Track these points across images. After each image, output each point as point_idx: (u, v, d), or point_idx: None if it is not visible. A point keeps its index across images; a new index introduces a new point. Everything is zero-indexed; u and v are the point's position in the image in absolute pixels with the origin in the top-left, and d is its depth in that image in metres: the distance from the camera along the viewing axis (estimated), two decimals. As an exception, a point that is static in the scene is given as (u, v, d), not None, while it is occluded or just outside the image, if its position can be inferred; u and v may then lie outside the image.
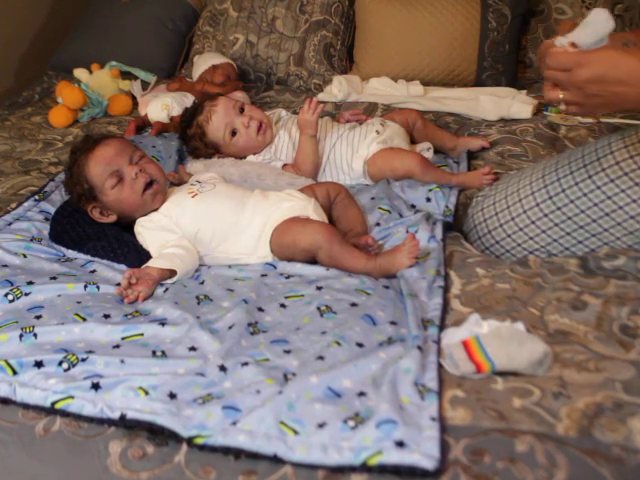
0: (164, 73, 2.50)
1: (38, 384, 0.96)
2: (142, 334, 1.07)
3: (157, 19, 2.56)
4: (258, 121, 1.66)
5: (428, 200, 1.47)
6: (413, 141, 1.75)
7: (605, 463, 0.79)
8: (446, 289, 1.15)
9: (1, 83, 2.67)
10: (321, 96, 2.19)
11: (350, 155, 1.63)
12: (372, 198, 1.51)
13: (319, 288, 1.18)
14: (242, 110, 1.69)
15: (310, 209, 1.34)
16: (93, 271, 1.29)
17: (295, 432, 0.85)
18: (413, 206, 1.47)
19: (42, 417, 0.93)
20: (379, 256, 1.24)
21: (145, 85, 2.32)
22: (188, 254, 1.28)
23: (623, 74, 0.96)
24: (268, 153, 1.68)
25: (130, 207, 1.35)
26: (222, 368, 0.97)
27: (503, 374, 0.93)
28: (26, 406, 0.94)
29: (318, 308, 1.12)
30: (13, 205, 1.53)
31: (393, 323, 1.07)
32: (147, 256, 1.30)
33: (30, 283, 1.20)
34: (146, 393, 0.93)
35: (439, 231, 1.32)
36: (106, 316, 1.12)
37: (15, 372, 0.99)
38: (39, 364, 0.99)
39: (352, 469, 0.81)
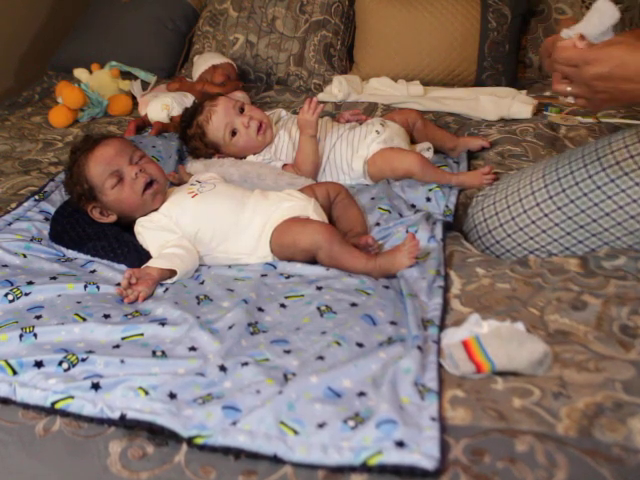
0: (164, 73, 2.50)
1: (38, 384, 0.96)
2: (142, 334, 1.07)
3: (157, 19, 2.56)
4: (258, 121, 1.66)
5: (428, 200, 1.47)
6: (413, 141, 1.75)
7: (605, 463, 0.79)
8: (446, 289, 1.15)
9: (1, 83, 2.67)
10: (321, 96, 2.19)
11: (350, 155, 1.63)
12: (372, 198, 1.51)
13: (319, 288, 1.18)
14: (242, 110, 1.69)
15: (310, 209, 1.34)
16: (93, 271, 1.29)
17: (295, 432, 0.85)
18: (413, 206, 1.47)
19: (42, 417, 0.93)
20: (379, 256, 1.24)
21: (145, 85, 2.32)
22: (188, 254, 1.28)
23: (630, 72, 0.96)
24: (268, 153, 1.68)
25: (130, 207, 1.35)
26: (222, 368, 0.97)
27: (503, 374, 0.93)
28: (26, 406, 0.94)
29: (318, 308, 1.12)
30: (13, 205, 1.53)
31: (393, 323, 1.07)
32: (147, 256, 1.30)
33: (30, 283, 1.20)
34: (146, 393, 0.93)
35: (439, 231, 1.32)
36: (106, 316, 1.12)
37: (15, 372, 0.99)
38: (39, 364, 0.99)
39: (352, 469, 0.81)
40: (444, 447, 0.82)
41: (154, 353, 1.02)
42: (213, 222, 1.32)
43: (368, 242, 1.30)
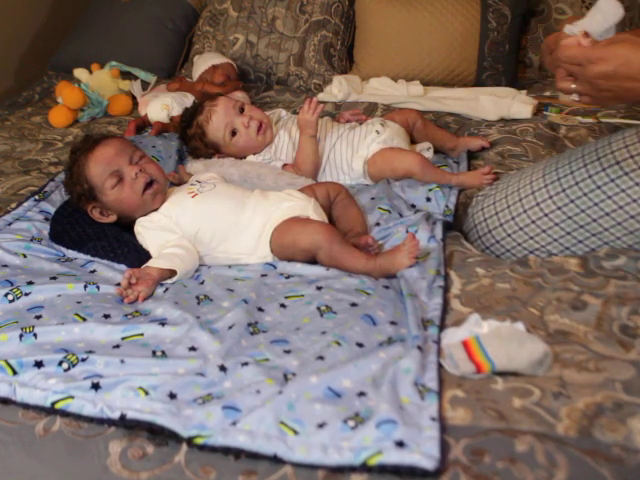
0: (164, 73, 2.50)
1: (38, 384, 0.96)
2: (142, 334, 1.07)
3: (157, 19, 2.56)
4: (258, 121, 1.66)
5: (428, 200, 1.48)
6: (413, 141, 1.75)
7: (605, 463, 0.79)
8: (446, 289, 1.15)
9: (1, 83, 2.67)
10: (321, 96, 2.19)
11: (350, 155, 1.63)
12: (372, 198, 1.51)
13: (319, 288, 1.18)
14: (242, 110, 1.69)
15: (310, 209, 1.34)
16: (93, 271, 1.29)
17: (295, 432, 0.85)
18: (413, 206, 1.47)
19: (42, 417, 0.93)
20: (379, 256, 1.24)
21: (145, 85, 2.32)
22: (188, 254, 1.28)
23: (634, 70, 0.96)
24: (268, 153, 1.68)
25: (130, 207, 1.35)
26: (222, 368, 0.97)
27: (503, 374, 0.93)
28: (26, 406, 0.94)
29: (318, 308, 1.12)
30: (13, 205, 1.53)
31: (393, 323, 1.07)
32: (147, 256, 1.30)
33: (30, 283, 1.20)
34: (146, 393, 0.93)
35: (439, 231, 1.32)
36: (106, 316, 1.12)
37: (15, 372, 0.99)
38: (39, 364, 0.99)
39: (352, 469, 0.81)
40: (444, 447, 0.82)
41: (154, 353, 1.02)
42: (213, 222, 1.32)
43: (368, 242, 1.30)
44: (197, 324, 1.08)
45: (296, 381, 0.93)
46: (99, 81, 2.24)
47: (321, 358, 0.98)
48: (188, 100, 2.03)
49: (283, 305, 1.14)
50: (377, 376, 0.94)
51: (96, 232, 1.36)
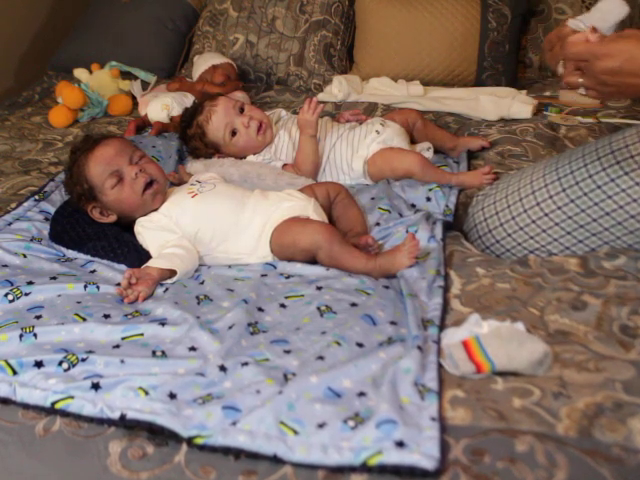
0: (164, 73, 2.50)
1: (38, 384, 0.96)
2: (142, 334, 1.07)
3: (157, 19, 2.56)
4: (258, 121, 1.66)
5: (428, 199, 1.48)
6: (413, 141, 1.74)
7: (605, 463, 0.79)
8: (446, 289, 1.15)
9: (1, 83, 2.67)
10: (321, 96, 2.19)
11: (350, 155, 1.63)
12: (372, 198, 1.51)
13: (319, 288, 1.18)
14: (242, 110, 1.69)
15: (310, 209, 1.34)
16: (93, 271, 1.29)
17: (295, 432, 0.85)
18: (413, 205, 1.47)
19: (42, 417, 0.93)
20: (379, 256, 1.24)
21: (145, 85, 2.32)
22: (188, 254, 1.28)
23: (637, 67, 0.96)
24: (268, 153, 1.68)
25: (130, 207, 1.35)
26: (222, 368, 0.97)
27: (503, 374, 0.93)
28: (26, 406, 0.94)
29: (318, 308, 1.12)
30: (13, 205, 1.53)
31: (393, 323, 1.07)
32: (147, 256, 1.30)
33: (30, 283, 1.20)
34: (146, 393, 0.93)
35: (439, 231, 1.32)
36: (106, 316, 1.12)
37: (15, 372, 0.99)
38: (39, 364, 0.99)
39: (352, 469, 0.81)
40: (444, 447, 0.82)
41: (154, 353, 1.02)
42: (213, 222, 1.32)
43: (368, 242, 1.30)
44: (197, 324, 1.08)
45: (296, 381, 0.93)
46: (99, 81, 2.24)
47: (321, 358, 0.98)
48: (188, 100, 2.03)
49: (283, 305, 1.14)
50: (377, 376, 0.94)
51: (96, 232, 1.36)
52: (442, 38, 2.24)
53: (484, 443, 0.83)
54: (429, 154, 1.69)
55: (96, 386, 0.95)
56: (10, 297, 1.16)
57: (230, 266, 1.31)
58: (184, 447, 0.87)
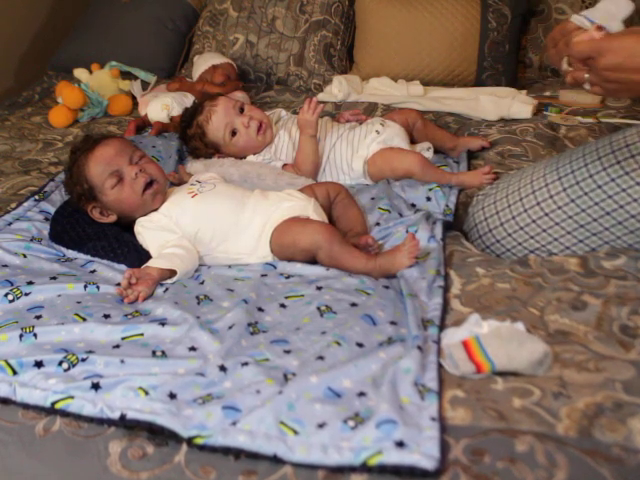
0: (164, 73, 2.50)
1: (38, 384, 0.96)
2: (142, 334, 1.07)
3: (157, 19, 2.56)
4: (258, 121, 1.66)
5: (428, 199, 1.48)
6: (413, 141, 1.74)
7: (605, 463, 0.79)
8: (446, 289, 1.15)
9: (1, 83, 2.68)
10: (321, 96, 2.19)
11: (350, 155, 1.63)
12: (372, 198, 1.51)
13: (319, 288, 1.18)
14: (242, 110, 1.69)
15: (310, 209, 1.34)
16: (93, 271, 1.29)
17: (295, 432, 0.85)
18: (413, 205, 1.47)
19: (42, 417, 0.93)
20: (379, 256, 1.24)
21: (145, 85, 2.32)
22: (188, 254, 1.28)
23: (638, 63, 0.96)
24: (268, 153, 1.68)
25: (130, 207, 1.35)
26: (222, 368, 0.97)
27: (503, 374, 0.93)
28: (26, 406, 0.94)
29: (318, 308, 1.12)
30: (13, 205, 1.53)
31: (393, 323, 1.07)
32: (147, 256, 1.30)
33: (30, 283, 1.20)
34: (146, 393, 0.93)
35: (439, 230, 1.32)
36: (106, 316, 1.12)
37: (15, 372, 0.99)
38: (39, 364, 0.99)
39: (352, 469, 0.81)
40: (444, 447, 0.82)
41: (154, 353, 1.02)
42: (213, 222, 1.32)
43: (368, 242, 1.30)
44: (197, 324, 1.08)
45: (296, 381, 0.93)
46: (99, 81, 2.24)
47: (321, 358, 0.98)
48: (188, 100, 2.03)
49: (283, 305, 1.14)
50: (377, 376, 0.94)
51: (96, 232, 1.36)
52: (442, 38, 2.24)
53: (484, 443, 0.83)
54: (429, 154, 1.69)
55: (96, 386, 0.95)
56: (10, 297, 1.16)
57: (230, 266, 1.31)
58: (184, 447, 0.87)
